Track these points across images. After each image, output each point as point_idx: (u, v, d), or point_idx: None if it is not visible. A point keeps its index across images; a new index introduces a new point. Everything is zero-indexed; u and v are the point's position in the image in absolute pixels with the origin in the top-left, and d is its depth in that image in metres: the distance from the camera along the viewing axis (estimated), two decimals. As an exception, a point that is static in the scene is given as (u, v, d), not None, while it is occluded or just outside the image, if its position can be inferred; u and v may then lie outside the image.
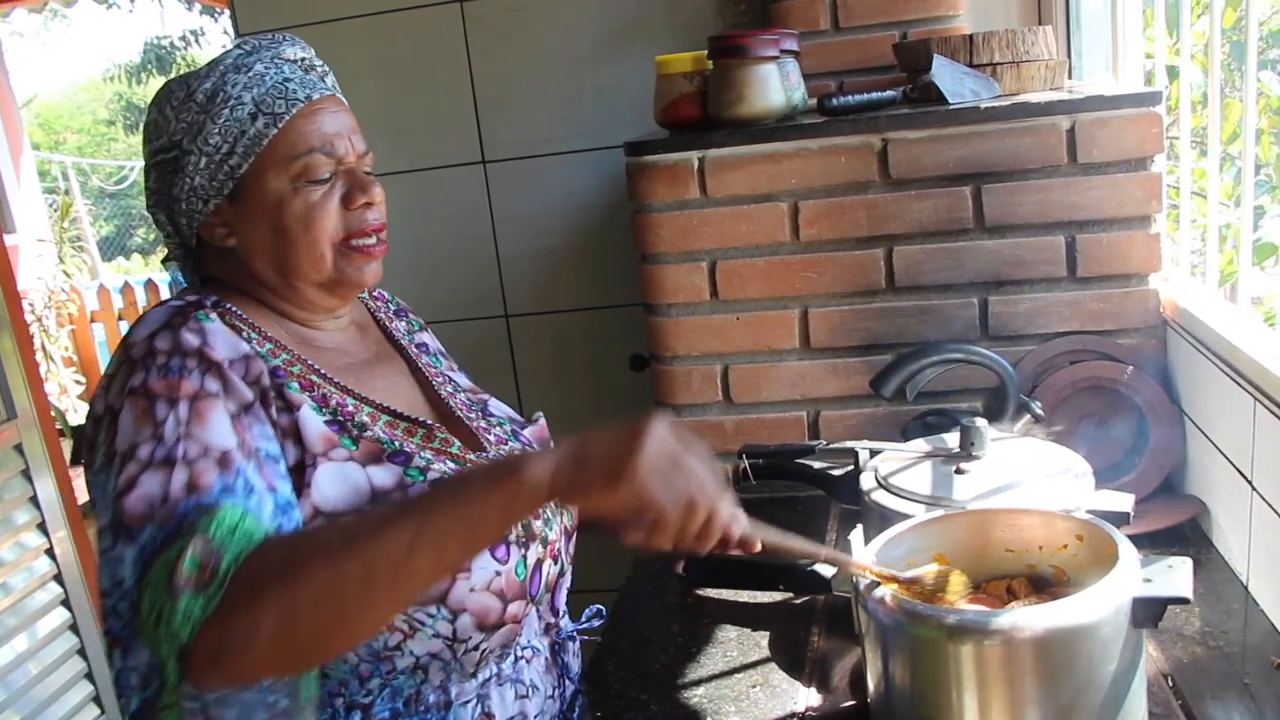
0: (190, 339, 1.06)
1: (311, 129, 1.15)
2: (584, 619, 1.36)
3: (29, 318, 5.53)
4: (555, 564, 1.22)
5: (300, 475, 1.07)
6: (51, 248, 6.14)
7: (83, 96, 17.47)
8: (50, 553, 2.96)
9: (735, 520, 1.01)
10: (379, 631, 1.05)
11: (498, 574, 1.11)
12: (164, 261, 1.26)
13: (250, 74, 1.14)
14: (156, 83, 15.24)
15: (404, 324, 1.41)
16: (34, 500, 2.93)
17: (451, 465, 1.17)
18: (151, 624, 0.93)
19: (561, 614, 1.29)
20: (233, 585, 0.93)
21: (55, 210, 6.54)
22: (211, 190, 1.14)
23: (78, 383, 6.01)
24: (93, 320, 6.17)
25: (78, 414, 5.86)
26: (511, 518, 1.01)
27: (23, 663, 2.81)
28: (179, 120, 1.14)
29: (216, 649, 0.92)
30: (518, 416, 1.38)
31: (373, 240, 1.20)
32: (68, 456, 3.92)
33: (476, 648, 1.12)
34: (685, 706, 1.29)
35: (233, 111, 1.12)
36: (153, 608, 0.93)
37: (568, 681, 1.31)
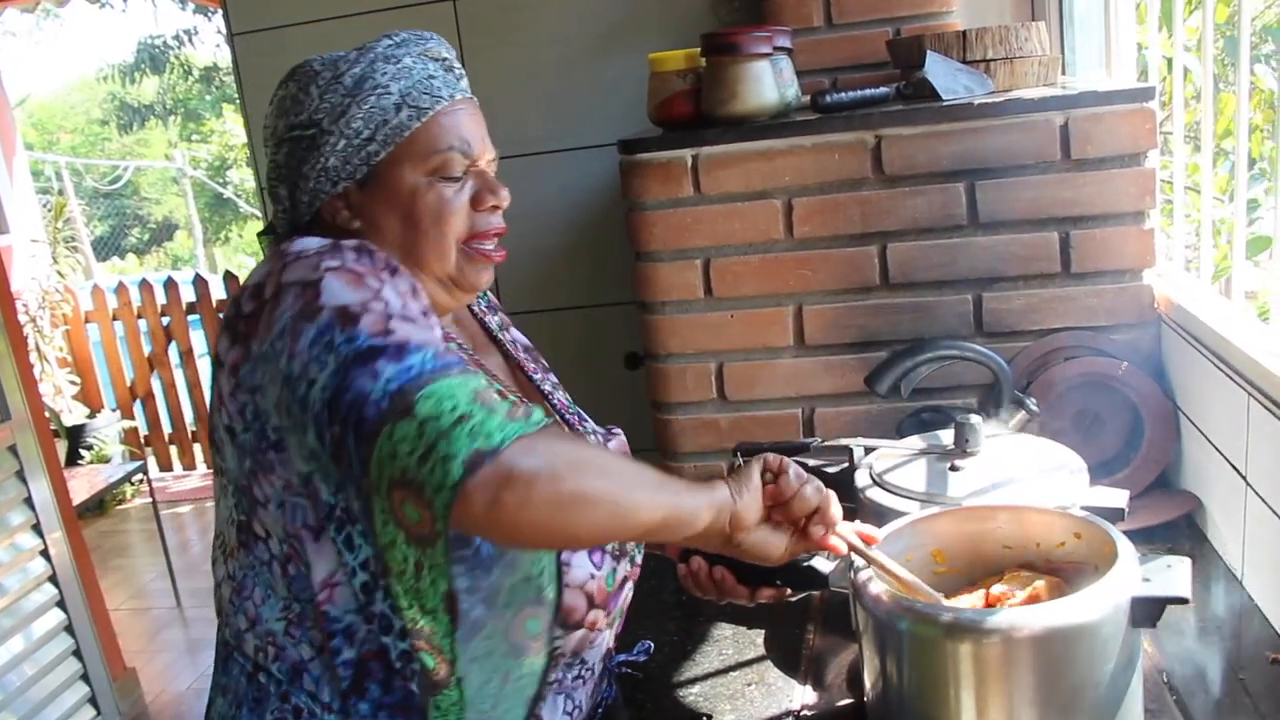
0: (374, 251, 1.06)
1: (451, 127, 1.16)
2: (635, 651, 1.36)
3: (23, 318, 5.51)
4: (632, 590, 1.22)
5: None
6: (45, 248, 6.11)
7: (76, 96, 17.42)
8: (45, 554, 2.96)
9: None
10: (614, 532, 1.03)
11: (592, 577, 1.12)
12: (261, 234, 1.26)
13: (399, 65, 1.15)
14: (150, 82, 15.22)
15: (496, 319, 1.41)
16: (28, 502, 2.93)
17: None
18: (442, 427, 0.88)
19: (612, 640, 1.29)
20: (546, 429, 0.93)
21: (49, 210, 6.51)
22: (344, 173, 1.14)
23: (72, 383, 5.99)
24: (87, 321, 6.15)
25: (72, 415, 5.84)
26: (709, 515, 1.03)
27: (18, 664, 2.80)
28: (323, 100, 1.13)
29: (518, 469, 0.89)
30: (599, 428, 1.38)
31: (492, 245, 1.20)
32: (62, 457, 3.91)
33: (551, 642, 1.11)
34: (681, 705, 1.29)
35: (379, 99, 1.13)
36: (446, 412, 0.89)
37: (601, 709, 1.30)
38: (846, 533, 1.09)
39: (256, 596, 1.10)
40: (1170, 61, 1.92)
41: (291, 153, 1.16)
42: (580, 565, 1.11)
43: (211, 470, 1.11)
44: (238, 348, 1.04)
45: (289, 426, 1.00)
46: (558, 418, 1.29)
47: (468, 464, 0.87)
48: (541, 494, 0.89)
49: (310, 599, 1.05)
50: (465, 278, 1.19)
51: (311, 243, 1.06)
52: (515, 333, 1.43)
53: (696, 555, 1.27)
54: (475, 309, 1.38)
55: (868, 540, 1.10)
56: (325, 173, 1.14)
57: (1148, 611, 0.97)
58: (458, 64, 1.23)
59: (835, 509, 1.07)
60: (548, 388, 1.33)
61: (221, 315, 1.10)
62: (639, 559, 1.22)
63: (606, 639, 1.22)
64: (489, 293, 1.44)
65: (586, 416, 1.36)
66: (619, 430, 1.39)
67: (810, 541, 1.07)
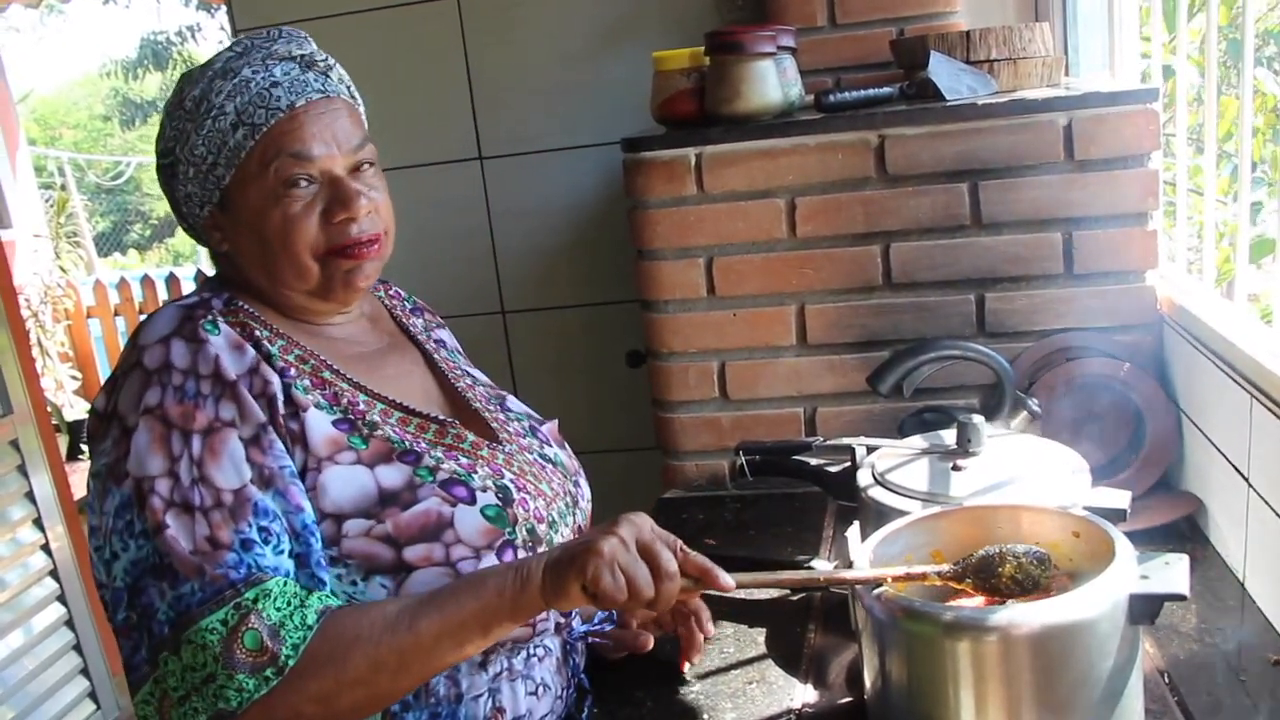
0: (208, 354, 1.08)
1: (290, 137, 1.12)
2: (596, 621, 1.36)
3: (25, 313, 5.52)
4: None
5: (303, 479, 1.09)
6: (48, 243, 6.12)
7: (79, 92, 17.43)
8: (46, 548, 2.96)
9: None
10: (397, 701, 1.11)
11: None
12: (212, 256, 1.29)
13: (236, 80, 1.12)
14: (153, 78, 15.23)
15: (420, 321, 1.41)
16: (30, 495, 2.93)
17: (464, 461, 1.17)
18: (196, 679, 0.99)
19: (573, 614, 1.29)
20: (287, 677, 1.00)
21: (51, 206, 6.53)
22: (203, 198, 1.15)
23: (74, 378, 6.00)
24: (89, 316, 6.16)
25: (74, 409, 5.84)
26: (519, 618, 1.04)
27: (18, 658, 2.80)
28: (171, 127, 1.15)
29: None
30: (535, 414, 1.38)
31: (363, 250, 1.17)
32: (63, 452, 3.91)
33: None
34: (682, 703, 1.28)
35: (215, 122, 1.11)
36: (199, 666, 0.99)
37: (576, 682, 1.30)
38: (691, 585, 1.04)
39: None
40: (1172, 65, 1.92)
41: (164, 183, 1.18)
42: (492, 564, 1.11)
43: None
44: (98, 452, 1.11)
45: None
46: (469, 411, 1.28)
47: None
48: None
49: None
50: (333, 290, 1.17)
51: (159, 327, 1.10)
52: (445, 334, 1.43)
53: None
54: (397, 312, 1.38)
55: (714, 583, 1.03)
56: (189, 199, 1.16)
57: (1146, 608, 0.97)
58: (320, 56, 1.19)
59: (665, 592, 1.01)
60: (463, 385, 1.32)
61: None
62: (559, 539, 1.21)
63: (550, 618, 1.22)
64: (414, 297, 1.45)
65: (516, 406, 1.36)
66: (555, 420, 1.40)
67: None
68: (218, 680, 0.98)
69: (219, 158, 1.12)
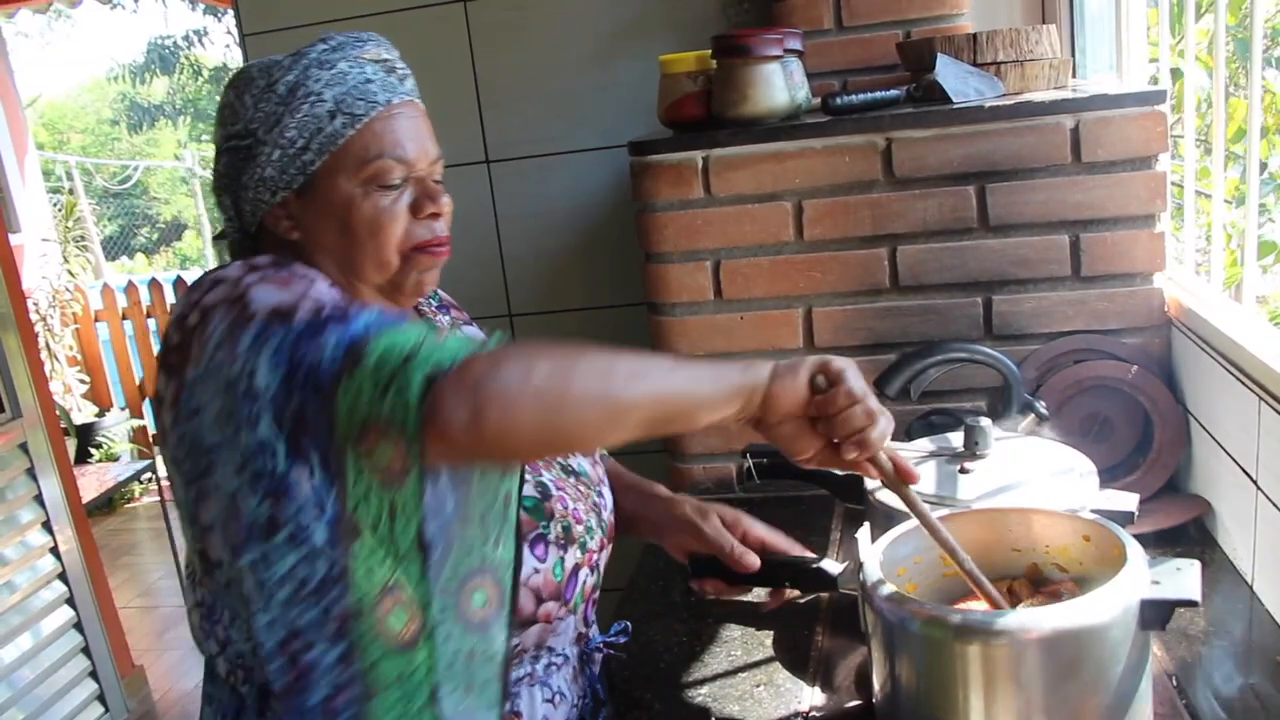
0: (283, 262, 1.08)
1: (387, 134, 1.13)
2: (612, 632, 1.36)
3: (33, 317, 5.53)
4: (592, 574, 1.22)
5: None
6: (56, 247, 6.13)
7: (87, 96, 17.49)
8: (54, 551, 2.97)
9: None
10: (618, 430, 1.00)
11: (536, 571, 1.12)
12: (215, 239, 1.25)
13: (333, 71, 1.12)
14: (160, 83, 15.26)
15: (448, 318, 1.41)
16: (38, 499, 2.95)
17: None
18: (396, 357, 0.90)
19: (591, 624, 1.29)
20: (508, 345, 0.94)
21: (60, 210, 6.54)
22: (281, 183, 1.13)
23: (82, 381, 6.01)
24: (97, 320, 6.17)
25: (82, 413, 5.86)
26: (734, 400, 1.02)
27: (27, 661, 2.81)
28: (257, 109, 1.12)
29: (484, 375, 0.89)
30: None
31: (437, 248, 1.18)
32: (72, 455, 3.92)
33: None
34: (690, 706, 1.29)
35: (312, 107, 1.11)
36: (397, 348, 0.91)
37: (592, 692, 1.30)
38: (883, 462, 1.05)
39: (225, 619, 1.09)
40: (1175, 71, 1.91)
41: (230, 163, 1.15)
42: (525, 560, 1.11)
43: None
44: (174, 380, 1.04)
45: (222, 441, 0.99)
46: None
47: (428, 381, 0.88)
48: (519, 397, 0.89)
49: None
50: (408, 283, 1.18)
51: (229, 270, 1.07)
52: (472, 330, 1.43)
53: (706, 573, 1.28)
54: (424, 308, 1.38)
55: (906, 477, 1.06)
56: (263, 183, 1.13)
57: (1157, 614, 0.97)
58: (401, 64, 1.21)
59: (878, 433, 1.02)
60: None
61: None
62: (591, 544, 1.21)
63: (572, 625, 1.22)
64: (440, 292, 1.45)
65: None
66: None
67: (842, 461, 1.05)
68: (426, 347, 0.91)
69: (311, 143, 1.11)
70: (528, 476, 1.16)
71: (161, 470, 5.75)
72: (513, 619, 1.08)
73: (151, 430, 6.15)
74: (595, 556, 1.22)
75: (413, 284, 1.18)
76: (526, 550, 1.11)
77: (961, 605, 1.08)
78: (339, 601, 0.98)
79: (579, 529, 1.19)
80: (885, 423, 1.03)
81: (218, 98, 1.21)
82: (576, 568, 1.18)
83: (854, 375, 1.02)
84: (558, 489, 1.20)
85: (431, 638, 1.01)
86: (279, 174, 1.13)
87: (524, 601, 1.11)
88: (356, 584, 0.98)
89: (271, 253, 1.17)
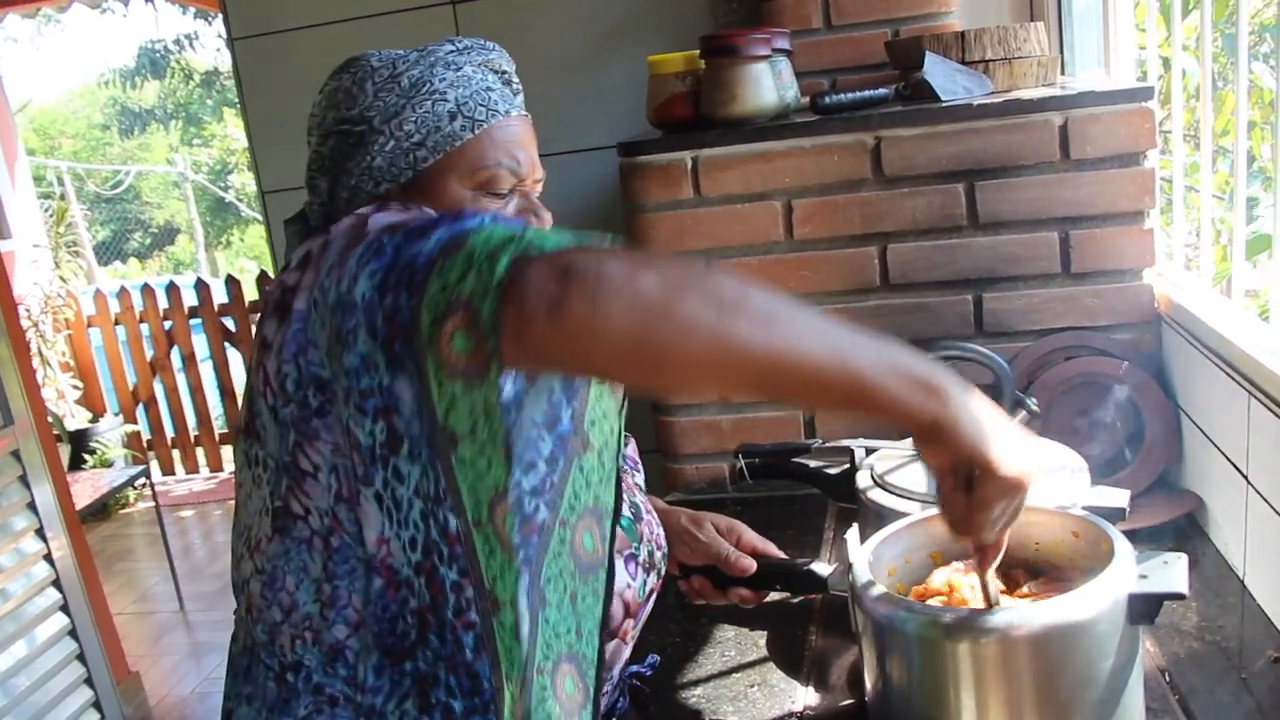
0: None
1: (503, 143, 1.13)
2: (644, 664, 1.36)
3: (25, 323, 5.52)
4: (649, 606, 1.22)
5: None
6: (47, 253, 6.12)
7: (77, 101, 17.45)
8: (48, 559, 2.97)
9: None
10: (724, 376, 0.87)
11: (629, 586, 1.13)
12: (287, 222, 1.22)
13: (459, 73, 1.13)
14: (150, 87, 15.22)
15: None
16: (32, 506, 2.94)
17: None
18: (494, 241, 0.81)
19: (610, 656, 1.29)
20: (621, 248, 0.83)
21: (51, 215, 6.52)
22: (389, 174, 1.12)
23: (75, 388, 5.99)
24: (89, 325, 6.16)
25: (75, 419, 5.85)
26: (893, 391, 0.84)
27: (21, 669, 2.81)
28: (378, 98, 1.11)
29: (582, 264, 0.77)
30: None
31: None
32: (65, 462, 3.91)
33: None
34: (684, 707, 1.29)
35: (434, 105, 1.11)
36: (495, 236, 0.83)
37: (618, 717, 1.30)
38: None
39: (289, 584, 1.06)
40: (1167, 61, 1.92)
41: (338, 146, 1.13)
42: (618, 573, 1.10)
43: (234, 469, 1.04)
44: (286, 320, 1.00)
45: (334, 373, 0.95)
46: None
47: (514, 261, 0.79)
48: (614, 295, 0.76)
49: (353, 569, 1.01)
50: None
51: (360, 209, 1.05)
52: None
53: (695, 573, 1.29)
54: None
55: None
56: (369, 171, 1.12)
57: (1145, 608, 0.97)
58: (516, 79, 1.22)
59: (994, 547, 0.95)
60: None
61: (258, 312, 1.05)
62: (663, 571, 1.22)
63: (627, 651, 1.22)
64: None
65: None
66: (630, 437, 1.38)
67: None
68: (529, 234, 0.82)
69: (427, 139, 1.11)
70: (624, 496, 1.14)
71: (156, 475, 5.77)
72: (611, 580, 1.03)
73: (146, 435, 6.15)
74: (661, 586, 1.23)
75: None
76: (621, 565, 1.11)
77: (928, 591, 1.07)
78: (459, 514, 0.92)
79: (659, 555, 1.20)
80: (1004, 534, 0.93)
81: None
82: (652, 593, 1.19)
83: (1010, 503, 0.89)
84: (647, 512, 1.21)
85: (515, 599, 0.95)
86: (388, 165, 1.11)
87: (614, 611, 1.10)
88: (467, 494, 0.91)
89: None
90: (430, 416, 0.89)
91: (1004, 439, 0.88)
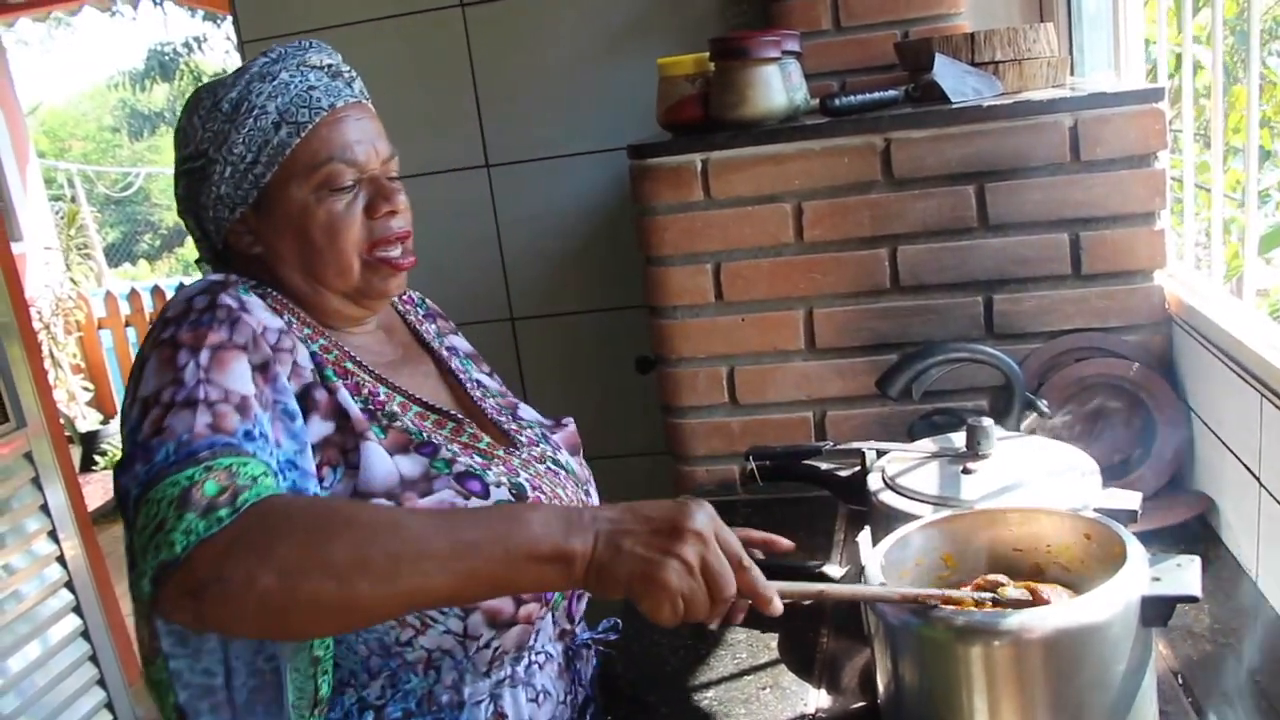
0: (228, 300, 1.08)
1: (334, 137, 1.15)
2: (600, 629, 1.36)
3: (37, 325, 5.54)
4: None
5: (344, 454, 1.09)
6: (58, 255, 6.16)
7: (87, 104, 17.52)
8: (61, 560, 2.97)
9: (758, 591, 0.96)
10: (363, 626, 1.04)
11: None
12: (197, 263, 1.28)
13: (275, 82, 1.14)
14: (160, 89, 15.28)
15: (434, 326, 1.42)
16: (44, 508, 2.94)
17: (479, 459, 1.18)
18: (147, 534, 0.90)
19: (578, 621, 1.30)
20: (246, 522, 0.89)
21: (61, 218, 6.56)
22: (237, 199, 1.15)
23: (86, 389, 6.02)
24: (100, 327, 6.19)
25: (87, 420, 5.87)
26: (542, 580, 0.92)
27: (34, 670, 2.82)
28: (205, 129, 1.14)
29: (207, 579, 0.87)
30: (546, 421, 1.38)
31: (398, 251, 1.21)
32: (77, 464, 3.92)
33: (488, 645, 1.12)
34: (695, 709, 1.29)
35: (256, 121, 1.13)
36: (152, 519, 0.90)
37: (580, 689, 1.31)
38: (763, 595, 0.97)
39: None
40: (1179, 58, 1.91)
41: (189, 185, 1.17)
42: None
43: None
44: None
45: None
46: (484, 419, 1.29)
47: (154, 579, 0.89)
48: (241, 600, 0.87)
49: None
50: (372, 288, 1.20)
51: (190, 289, 1.10)
52: (457, 339, 1.44)
53: None
54: (410, 318, 1.39)
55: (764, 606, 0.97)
56: (220, 201, 1.15)
57: (1158, 611, 0.97)
58: (346, 67, 1.22)
59: (716, 611, 0.94)
60: (477, 395, 1.33)
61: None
62: None
63: (551, 623, 1.23)
64: (427, 301, 1.46)
65: (528, 415, 1.36)
66: (569, 420, 1.40)
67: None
68: (166, 526, 0.88)
69: (259, 156, 1.13)
70: (503, 480, 1.16)
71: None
72: (492, 648, 1.12)
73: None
74: None
75: (377, 289, 1.20)
76: None
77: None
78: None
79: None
80: (720, 601, 0.92)
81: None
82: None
83: (667, 606, 0.90)
84: (533, 490, 1.20)
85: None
86: (233, 190, 1.14)
87: (500, 604, 1.11)
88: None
89: (241, 269, 1.19)
90: None
91: (650, 524, 0.91)
